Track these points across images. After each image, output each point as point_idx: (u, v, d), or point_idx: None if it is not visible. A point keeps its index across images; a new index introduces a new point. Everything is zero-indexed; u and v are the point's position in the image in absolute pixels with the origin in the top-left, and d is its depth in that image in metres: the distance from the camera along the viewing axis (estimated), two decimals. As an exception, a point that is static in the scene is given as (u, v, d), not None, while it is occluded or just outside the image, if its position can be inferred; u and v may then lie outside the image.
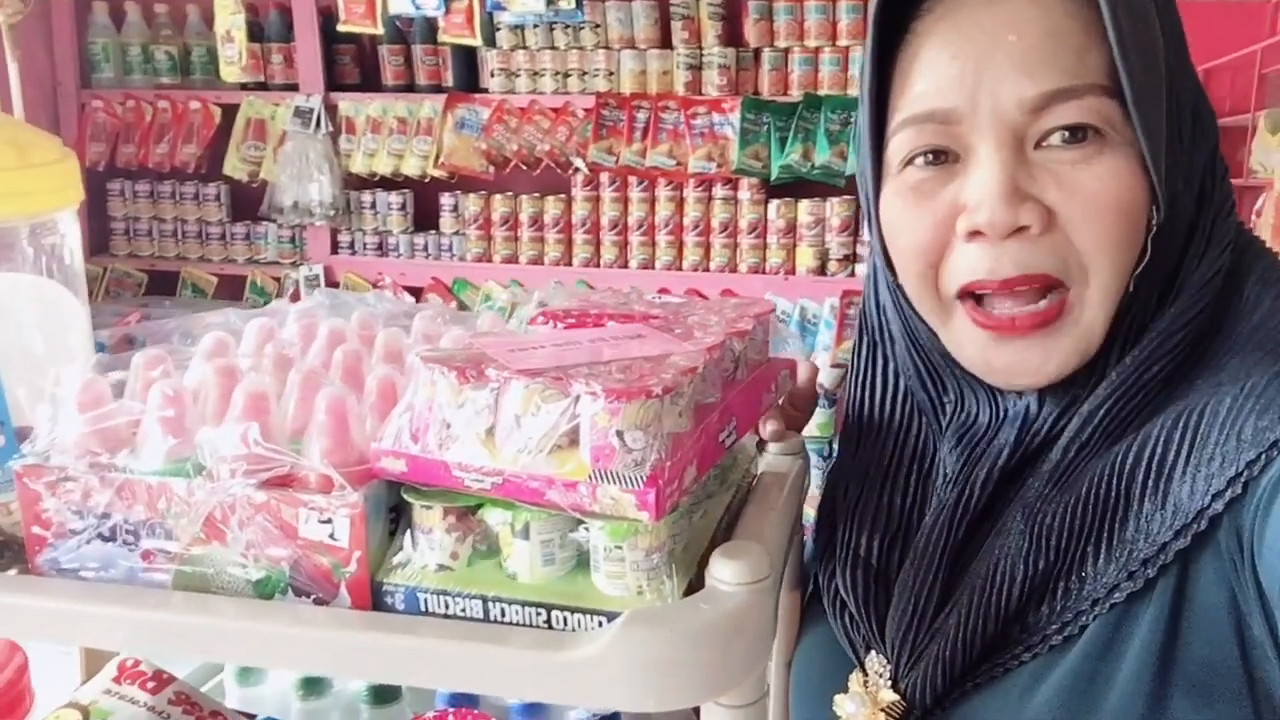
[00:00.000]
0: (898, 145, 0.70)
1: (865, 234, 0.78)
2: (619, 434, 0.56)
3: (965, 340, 0.71)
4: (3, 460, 0.69)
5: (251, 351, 0.77)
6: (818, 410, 2.83)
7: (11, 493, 0.66)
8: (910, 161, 0.69)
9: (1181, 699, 0.60)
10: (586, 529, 0.60)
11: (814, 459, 2.73)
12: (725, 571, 0.58)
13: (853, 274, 2.85)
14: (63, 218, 0.74)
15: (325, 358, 0.74)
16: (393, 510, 0.64)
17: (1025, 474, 0.71)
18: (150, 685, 0.96)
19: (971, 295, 0.68)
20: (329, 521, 0.61)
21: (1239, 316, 0.67)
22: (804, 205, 2.86)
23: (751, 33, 2.92)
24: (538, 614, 0.59)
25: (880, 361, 0.81)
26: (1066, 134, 0.64)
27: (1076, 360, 0.68)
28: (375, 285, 3.25)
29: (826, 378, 2.74)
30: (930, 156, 0.68)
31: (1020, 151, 0.65)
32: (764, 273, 2.92)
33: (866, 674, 0.73)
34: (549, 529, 0.60)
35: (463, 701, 0.90)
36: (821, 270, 2.88)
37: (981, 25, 0.66)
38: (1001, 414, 0.73)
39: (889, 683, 0.71)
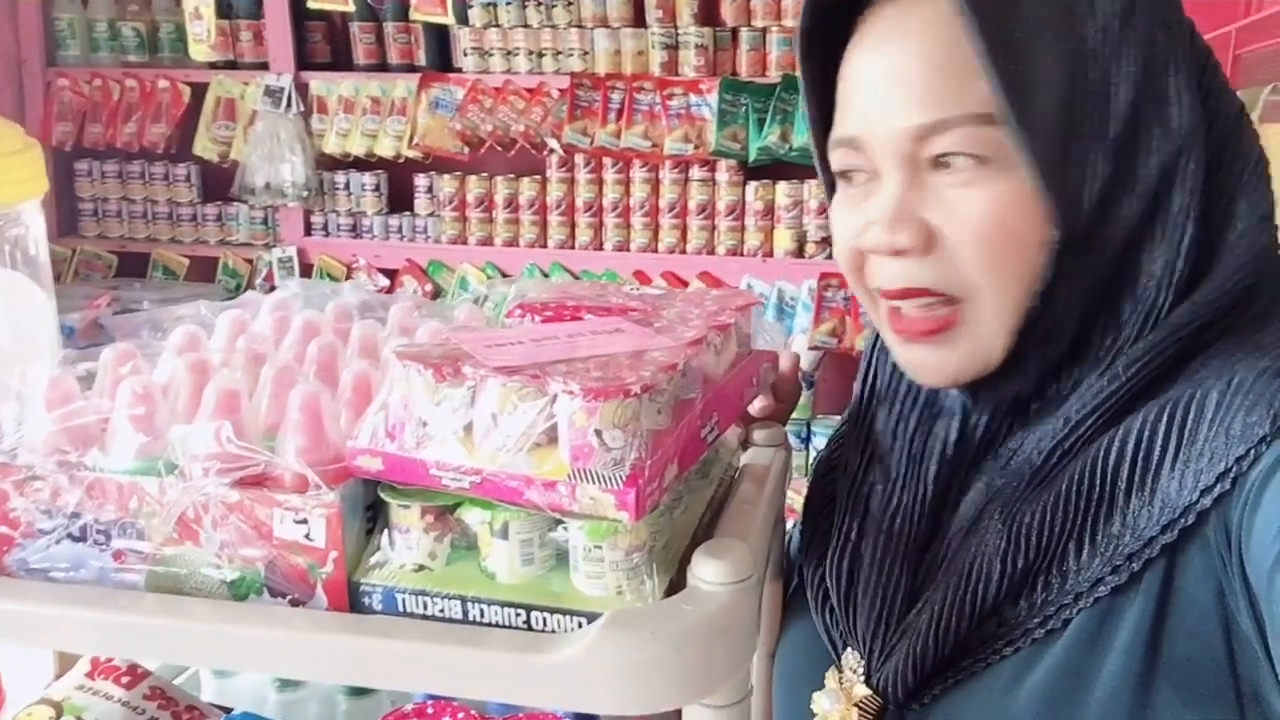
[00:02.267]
0: (833, 161, 0.74)
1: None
2: (597, 433, 0.55)
3: (887, 339, 0.75)
4: (-32, 459, 0.67)
5: (223, 345, 0.76)
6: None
7: (-22, 492, 0.65)
8: (843, 177, 0.73)
9: (1167, 693, 0.60)
10: (565, 528, 0.60)
11: (793, 441, 2.72)
12: (708, 571, 0.57)
13: (829, 256, 2.85)
14: (26, 208, 0.72)
15: (299, 352, 0.73)
16: (369, 509, 0.63)
17: (983, 463, 0.72)
18: (125, 680, 0.95)
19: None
20: (304, 521, 0.60)
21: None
22: (782, 187, 2.85)
23: (728, 12, 2.89)
24: (517, 614, 0.58)
25: (885, 353, 0.83)
26: (952, 159, 0.66)
27: (975, 366, 0.70)
28: (349, 267, 3.22)
29: (805, 360, 2.74)
30: (859, 175, 0.72)
31: (916, 173, 0.68)
32: (741, 255, 2.91)
33: (843, 670, 0.73)
34: (528, 528, 0.60)
35: (441, 694, 0.90)
36: (799, 252, 2.87)
37: (880, 53, 0.69)
38: (937, 409, 0.77)
39: (863, 678, 0.71)
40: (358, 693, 1.06)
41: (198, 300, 0.84)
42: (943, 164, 0.66)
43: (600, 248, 3.02)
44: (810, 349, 2.75)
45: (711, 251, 2.93)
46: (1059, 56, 0.64)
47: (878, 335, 0.83)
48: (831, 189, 0.76)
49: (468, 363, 0.59)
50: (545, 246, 3.06)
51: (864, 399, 0.84)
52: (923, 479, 0.74)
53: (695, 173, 2.92)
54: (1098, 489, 0.64)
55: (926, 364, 0.71)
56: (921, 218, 0.67)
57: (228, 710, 0.98)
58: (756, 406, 0.85)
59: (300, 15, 3.16)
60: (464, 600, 0.59)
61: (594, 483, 0.55)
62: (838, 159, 0.72)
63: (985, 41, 0.62)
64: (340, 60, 3.25)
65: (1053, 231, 0.65)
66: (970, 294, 0.67)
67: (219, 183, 3.34)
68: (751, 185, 2.88)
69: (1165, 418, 0.63)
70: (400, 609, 0.60)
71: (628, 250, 2.99)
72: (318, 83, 3.19)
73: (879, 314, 0.73)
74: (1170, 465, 0.61)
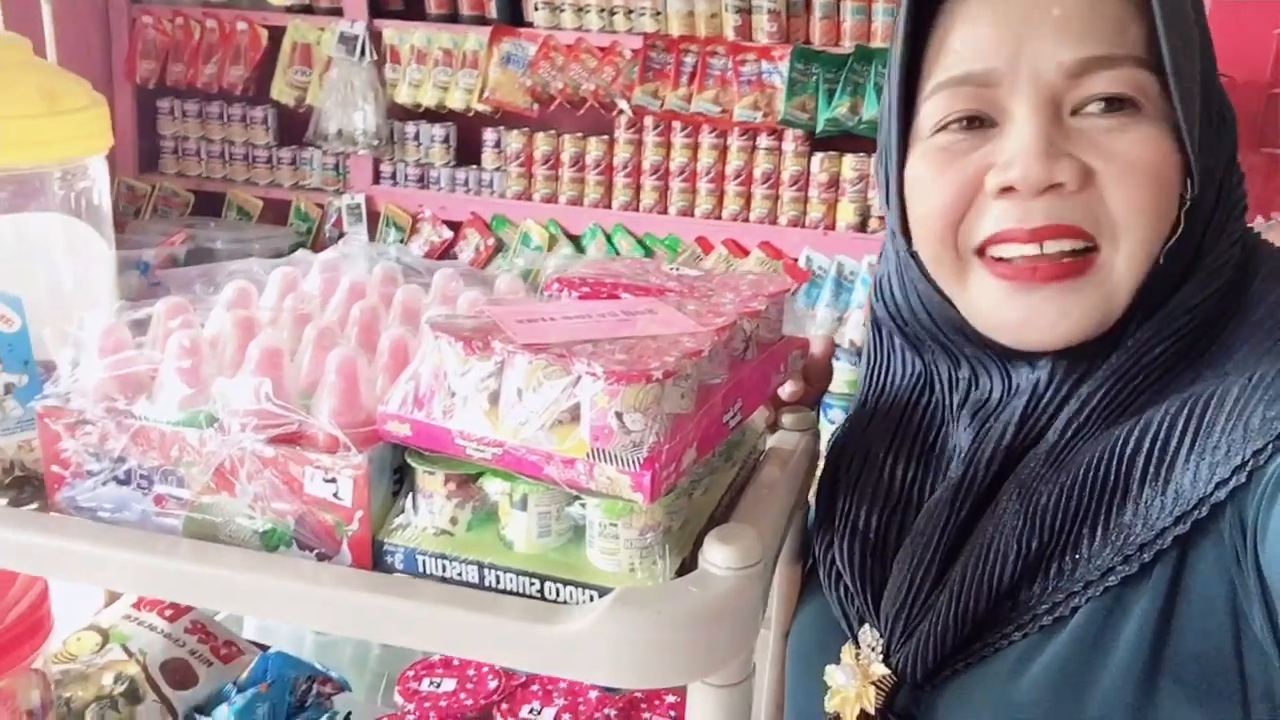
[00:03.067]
0: (931, 110, 0.70)
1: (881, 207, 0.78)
2: (618, 415, 0.56)
3: (981, 297, 0.70)
4: (26, 399, 0.71)
5: (273, 302, 0.79)
6: (849, 367, 2.82)
7: (33, 430, 0.69)
8: (944, 127, 0.70)
9: (1172, 688, 0.60)
10: (583, 504, 0.61)
11: (841, 415, 2.69)
12: (717, 555, 0.59)
13: (893, 232, 2.82)
14: (92, 162, 0.76)
15: (343, 314, 0.76)
16: (396, 471, 0.65)
17: (1028, 453, 0.71)
18: (168, 614, 1.00)
19: (992, 255, 0.69)
20: (334, 480, 0.62)
21: (1246, 310, 0.67)
22: (849, 160, 2.82)
23: (804, -23, 2.86)
24: (531, 583, 0.60)
25: (895, 339, 0.82)
26: (1103, 103, 0.65)
27: (1094, 322, 0.67)
28: (415, 217, 3.26)
29: (859, 335, 2.72)
30: (965, 122, 0.69)
31: (1057, 116, 0.66)
32: (804, 226, 2.89)
33: (859, 646, 0.74)
34: (546, 502, 0.61)
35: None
36: (862, 227, 2.84)
37: None
38: (1013, 388, 0.73)
39: (881, 656, 0.72)
40: (390, 640, 1.10)
41: (253, 254, 0.86)
42: (1083, 109, 0.66)
43: (665, 211, 3.01)
44: (865, 324, 2.73)
45: (774, 221, 2.92)
46: (1196, 26, 0.67)
47: (885, 334, 0.82)
48: (903, 150, 0.73)
49: (498, 337, 0.61)
50: (610, 207, 3.06)
51: (879, 383, 0.82)
52: (976, 465, 0.72)
53: (763, 140, 2.90)
54: (1113, 477, 0.64)
55: (1042, 316, 0.67)
56: (1072, 154, 0.66)
57: (265, 648, 1.02)
58: (787, 391, 0.85)
59: (374, -40, 3.17)
60: (481, 566, 0.61)
61: (611, 463, 0.57)
62: (944, 102, 0.69)
63: None
64: (412, 8, 3.26)
65: (1188, 187, 0.66)
66: (1112, 237, 0.66)
67: (294, 127, 3.39)
68: (817, 156, 2.85)
69: (1185, 410, 0.63)
70: (421, 570, 0.62)
71: (691, 215, 2.98)
72: (390, 31, 3.21)
73: (969, 274, 0.70)
74: (1186, 457, 0.61)
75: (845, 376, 2.58)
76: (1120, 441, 0.64)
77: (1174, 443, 0.62)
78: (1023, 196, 0.66)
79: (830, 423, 2.46)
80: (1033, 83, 0.66)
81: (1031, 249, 0.66)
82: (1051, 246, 0.66)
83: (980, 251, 0.69)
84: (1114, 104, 0.65)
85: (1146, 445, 0.63)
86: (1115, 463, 0.64)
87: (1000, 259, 0.68)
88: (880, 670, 0.71)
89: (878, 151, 0.77)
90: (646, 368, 0.57)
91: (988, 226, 0.68)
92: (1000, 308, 0.69)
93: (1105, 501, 0.64)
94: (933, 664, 0.68)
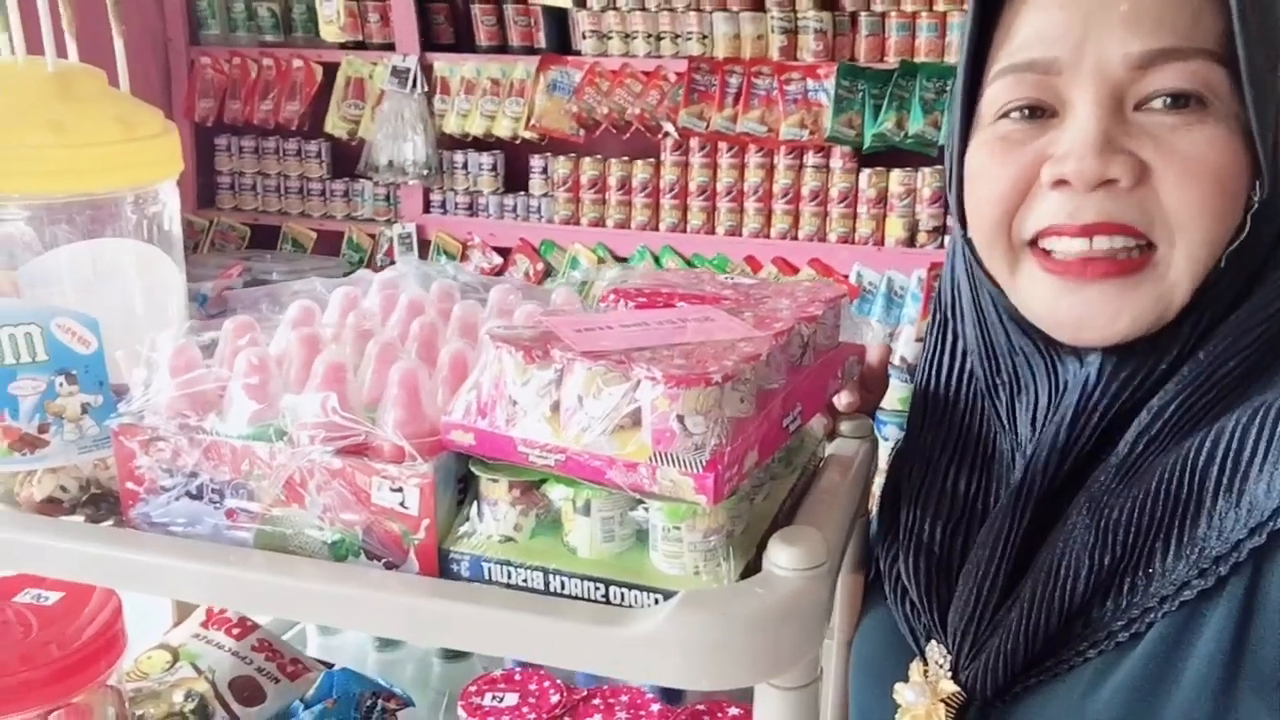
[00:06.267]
0: (993, 95, 0.70)
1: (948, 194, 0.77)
2: (679, 418, 0.57)
3: (1033, 291, 0.70)
4: (101, 418, 0.73)
5: (335, 320, 0.80)
6: (901, 384, 2.80)
7: (109, 449, 0.71)
8: (1005, 115, 0.69)
9: (1251, 700, 0.59)
10: (646, 508, 0.62)
11: (896, 432, 2.67)
12: (782, 556, 0.59)
13: (941, 245, 2.80)
14: (164, 188, 0.78)
15: (403, 329, 0.77)
16: (461, 480, 0.66)
17: (1094, 465, 0.70)
18: (235, 631, 1.01)
19: (1043, 248, 0.68)
20: (400, 490, 0.63)
21: None
22: (896, 175, 2.81)
23: (848, -5, 2.87)
24: (596, 588, 0.61)
25: (950, 339, 0.81)
26: (1169, 99, 0.64)
27: (1150, 320, 0.66)
28: (465, 245, 3.30)
29: (910, 351, 2.70)
30: (1026, 111, 0.68)
31: (1119, 110, 0.65)
32: (852, 243, 2.88)
33: (927, 663, 0.73)
34: (609, 507, 0.62)
35: (527, 661, 0.93)
36: (910, 242, 2.83)
37: None
38: (1060, 385, 0.72)
39: (949, 673, 0.71)
40: (451, 656, 1.11)
41: (313, 276, 0.88)
42: (1147, 105, 0.64)
43: (712, 232, 3.02)
44: (918, 340, 2.71)
45: (823, 239, 2.92)
46: (1278, 14, 0.65)
47: (937, 326, 0.82)
48: (965, 135, 0.73)
49: (556, 346, 0.61)
50: (657, 229, 3.08)
51: (935, 376, 0.81)
52: (1033, 472, 0.71)
53: (810, 159, 2.90)
54: (1186, 489, 0.63)
55: (1098, 314, 0.66)
56: (1129, 151, 0.64)
57: (329, 665, 1.03)
58: (843, 402, 0.85)
59: (424, -3, 3.24)
60: (546, 572, 0.62)
61: (674, 466, 0.57)
62: (1007, 89, 0.69)
63: None
64: (463, 42, 3.32)
65: (1256, 190, 0.64)
66: (1167, 238, 0.65)
67: (347, 160, 3.47)
68: (865, 172, 2.85)
69: (1258, 420, 0.61)
70: (486, 577, 0.63)
71: (739, 235, 2.99)
72: (441, 64, 3.27)
73: (1021, 265, 0.70)
74: (1260, 467, 0.60)
75: (898, 394, 2.56)
76: (1192, 453, 0.63)
77: (1246, 453, 0.61)
78: (1076, 191, 0.65)
79: (885, 439, 2.45)
80: (1096, 74, 0.65)
81: (1080, 244, 0.66)
82: (1101, 243, 0.65)
83: (1032, 243, 0.68)
84: (1179, 101, 0.63)
85: (1219, 456, 0.62)
86: (1188, 475, 0.63)
87: (1050, 252, 0.67)
88: (950, 687, 0.70)
89: (945, 135, 0.77)
90: (706, 371, 0.57)
91: (1040, 219, 0.67)
92: (1053, 304, 0.69)
93: (1178, 514, 0.63)
94: (1003, 681, 0.67)
